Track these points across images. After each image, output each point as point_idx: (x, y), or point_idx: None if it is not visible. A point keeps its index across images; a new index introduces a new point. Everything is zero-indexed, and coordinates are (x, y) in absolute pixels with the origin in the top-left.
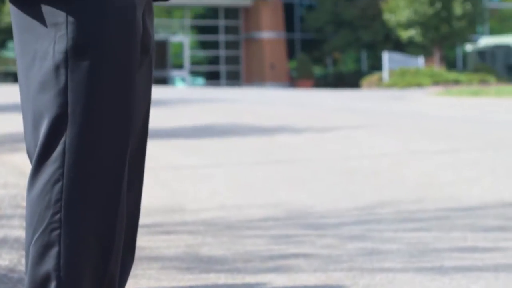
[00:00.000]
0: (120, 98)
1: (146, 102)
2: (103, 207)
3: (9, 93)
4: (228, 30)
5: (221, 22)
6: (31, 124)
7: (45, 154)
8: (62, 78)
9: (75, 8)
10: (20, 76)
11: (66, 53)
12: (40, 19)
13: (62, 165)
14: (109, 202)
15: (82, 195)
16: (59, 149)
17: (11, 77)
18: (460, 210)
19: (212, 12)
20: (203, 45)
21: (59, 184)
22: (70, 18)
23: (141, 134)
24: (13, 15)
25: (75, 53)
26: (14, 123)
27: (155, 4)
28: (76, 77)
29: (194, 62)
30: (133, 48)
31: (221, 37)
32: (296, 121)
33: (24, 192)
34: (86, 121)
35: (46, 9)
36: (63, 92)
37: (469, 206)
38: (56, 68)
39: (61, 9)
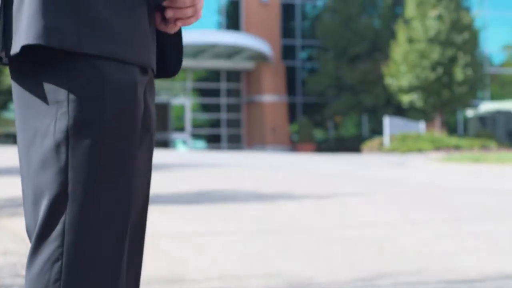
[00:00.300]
0: (121, 177)
1: (146, 179)
2: (102, 286)
3: (9, 154)
4: (230, 93)
5: (223, 85)
6: (31, 201)
7: (45, 233)
8: (63, 156)
9: (77, 86)
10: (20, 152)
11: (67, 131)
12: (42, 96)
13: (61, 244)
14: (108, 281)
15: (81, 275)
16: (58, 228)
17: (12, 138)
18: (459, 282)
19: (214, 75)
20: (205, 108)
21: (58, 263)
22: (72, 96)
23: (142, 210)
24: (14, 91)
25: (76, 131)
26: (14, 187)
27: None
28: (77, 156)
29: (196, 125)
30: (134, 127)
31: (223, 100)
32: (296, 187)
33: (24, 259)
34: (87, 200)
35: (47, 87)
36: (64, 171)
37: (469, 278)
38: (57, 146)
39: (62, 86)
